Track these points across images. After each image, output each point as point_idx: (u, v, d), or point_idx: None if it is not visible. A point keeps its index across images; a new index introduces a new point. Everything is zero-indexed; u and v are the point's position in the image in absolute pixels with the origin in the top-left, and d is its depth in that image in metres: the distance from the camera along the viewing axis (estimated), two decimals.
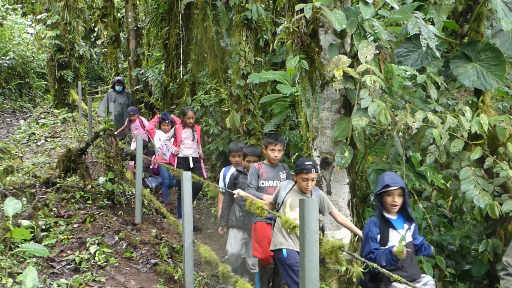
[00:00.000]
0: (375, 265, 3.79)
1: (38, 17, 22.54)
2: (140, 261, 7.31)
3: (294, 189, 5.88)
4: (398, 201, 5.01)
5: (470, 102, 6.90)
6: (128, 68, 22.13)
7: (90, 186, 9.56)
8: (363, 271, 4.65)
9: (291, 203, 5.76)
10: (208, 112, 12.94)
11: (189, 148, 10.62)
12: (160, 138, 12.04)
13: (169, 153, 11.07)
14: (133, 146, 12.79)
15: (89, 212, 8.58)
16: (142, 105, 19.52)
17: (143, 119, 14.76)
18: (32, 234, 7.39)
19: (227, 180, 7.76)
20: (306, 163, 5.72)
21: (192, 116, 10.67)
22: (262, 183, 6.68)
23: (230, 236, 7.29)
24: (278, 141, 6.71)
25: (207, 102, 12.86)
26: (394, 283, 4.81)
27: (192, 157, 10.58)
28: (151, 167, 12.83)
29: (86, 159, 10.31)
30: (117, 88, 16.62)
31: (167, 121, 11.99)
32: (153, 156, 12.19)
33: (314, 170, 5.70)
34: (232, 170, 7.81)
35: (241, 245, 7.18)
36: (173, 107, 15.72)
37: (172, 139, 10.74)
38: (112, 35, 23.81)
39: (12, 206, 3.32)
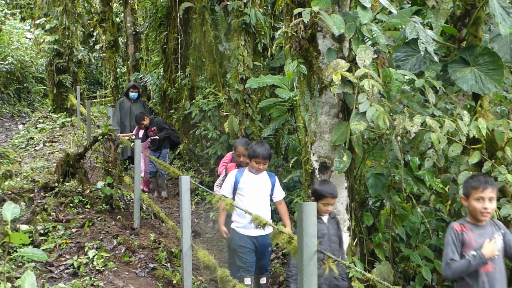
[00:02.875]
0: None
1: (37, 22, 22.56)
2: (139, 265, 7.31)
3: None
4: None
5: (468, 106, 6.91)
6: (127, 72, 22.20)
7: (88, 191, 9.57)
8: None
9: None
10: (207, 117, 12.96)
11: None
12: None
13: None
14: (142, 166, 11.76)
15: (88, 216, 8.58)
16: None
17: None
18: (31, 239, 7.39)
19: (242, 188, 6.77)
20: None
21: (242, 152, 7.63)
22: (472, 254, 4.46)
23: None
24: (491, 185, 4.67)
25: (205, 107, 12.88)
26: None
27: None
28: None
29: (85, 163, 10.32)
30: (131, 95, 14.31)
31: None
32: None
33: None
34: (247, 175, 6.80)
35: None
36: (171, 111, 15.72)
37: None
38: (111, 40, 23.85)
39: (10, 210, 3.32)
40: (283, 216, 6.91)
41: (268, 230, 6.15)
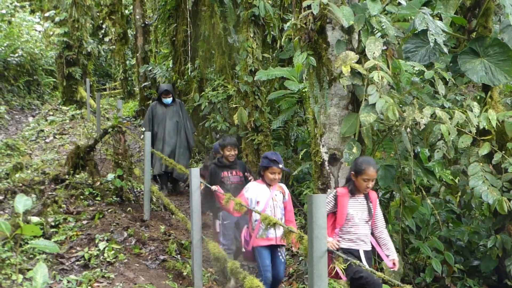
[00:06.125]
0: (358, 262, 3.81)
1: (46, 14, 22.60)
2: (149, 257, 7.34)
3: None
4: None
5: (478, 97, 6.89)
6: (136, 65, 22.20)
7: (98, 183, 9.60)
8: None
9: None
10: (216, 109, 12.97)
11: (362, 234, 5.57)
12: (258, 200, 6.36)
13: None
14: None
15: (98, 208, 8.62)
16: (150, 101, 19.57)
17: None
18: (42, 231, 7.43)
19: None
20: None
21: (373, 176, 5.48)
22: None
23: None
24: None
25: (215, 99, 12.89)
26: None
27: (365, 251, 5.57)
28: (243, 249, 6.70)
29: (95, 155, 10.34)
30: (164, 100, 11.81)
31: (280, 166, 6.31)
32: (243, 230, 6.68)
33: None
34: None
35: None
36: None
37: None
38: (120, 32, 23.93)
39: (22, 202, 3.34)
40: None
41: None
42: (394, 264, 5.40)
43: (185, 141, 11.71)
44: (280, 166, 6.27)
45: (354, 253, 5.38)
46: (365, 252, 5.53)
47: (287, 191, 6.50)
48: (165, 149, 11.33)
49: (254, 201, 6.33)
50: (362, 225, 5.53)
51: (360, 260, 5.34)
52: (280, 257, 6.29)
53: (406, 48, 6.76)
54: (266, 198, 6.27)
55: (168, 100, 11.78)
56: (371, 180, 5.43)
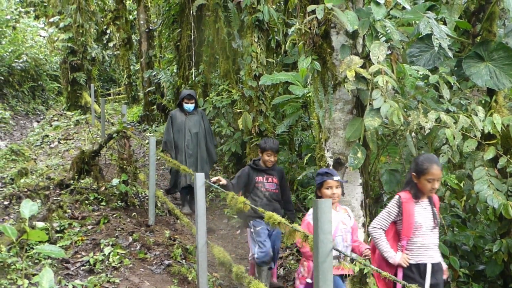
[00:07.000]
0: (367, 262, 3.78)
1: (51, 20, 22.69)
2: (154, 262, 7.34)
3: None
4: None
5: (483, 101, 6.89)
6: (140, 70, 22.29)
7: (103, 188, 9.61)
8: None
9: None
10: (221, 114, 12.97)
11: (430, 244, 5.11)
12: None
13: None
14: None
15: (103, 213, 8.63)
16: (155, 107, 19.61)
17: None
18: (47, 236, 7.44)
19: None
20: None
21: (438, 175, 5.04)
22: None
23: None
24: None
25: (219, 104, 12.89)
26: None
27: (433, 265, 5.09)
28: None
29: (100, 161, 10.36)
30: (186, 106, 10.80)
31: (335, 178, 5.62)
32: (302, 268, 5.79)
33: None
34: None
35: None
36: None
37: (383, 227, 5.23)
38: (124, 37, 23.97)
39: (28, 208, 3.36)
40: None
41: None
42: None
43: (205, 154, 10.88)
44: (335, 178, 5.54)
45: (420, 268, 4.98)
46: (433, 265, 5.03)
47: (352, 214, 5.81)
48: (188, 161, 10.57)
49: None
50: (429, 233, 5.02)
51: (425, 276, 4.96)
52: None
53: (410, 52, 6.75)
54: (335, 223, 5.26)
55: (190, 106, 10.77)
56: (437, 180, 4.96)
